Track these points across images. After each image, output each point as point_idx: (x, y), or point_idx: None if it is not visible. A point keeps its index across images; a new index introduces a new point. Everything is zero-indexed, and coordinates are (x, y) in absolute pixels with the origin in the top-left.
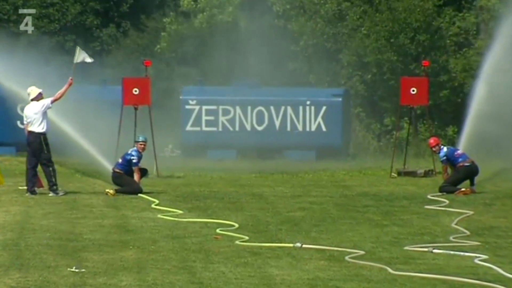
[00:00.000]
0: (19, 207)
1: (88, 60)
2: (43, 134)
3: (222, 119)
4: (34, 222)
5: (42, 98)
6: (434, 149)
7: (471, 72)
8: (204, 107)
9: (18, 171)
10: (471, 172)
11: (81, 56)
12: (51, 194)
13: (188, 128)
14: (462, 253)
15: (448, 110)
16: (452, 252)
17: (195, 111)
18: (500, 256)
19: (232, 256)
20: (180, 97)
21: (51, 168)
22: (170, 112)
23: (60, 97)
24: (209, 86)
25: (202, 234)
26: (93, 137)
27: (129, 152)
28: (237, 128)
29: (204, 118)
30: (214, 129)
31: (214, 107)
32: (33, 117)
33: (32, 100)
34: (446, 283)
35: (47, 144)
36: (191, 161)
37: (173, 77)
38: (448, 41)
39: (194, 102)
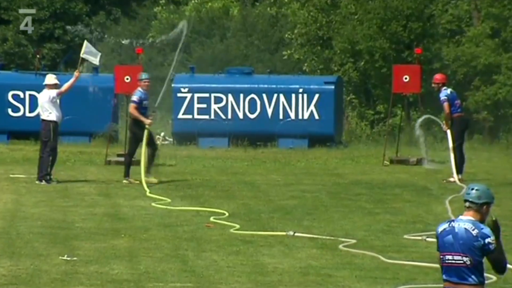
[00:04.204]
0: (10, 195)
1: (95, 61)
2: (53, 122)
3: (214, 107)
4: (25, 210)
5: (55, 88)
6: (436, 85)
7: (463, 60)
8: (196, 95)
9: (9, 159)
10: (467, 124)
11: (89, 52)
12: (43, 183)
13: (180, 116)
14: None
15: None
16: None
17: (187, 99)
18: None
19: (224, 244)
20: (172, 85)
21: (51, 158)
22: (161, 99)
23: (66, 90)
24: (201, 73)
25: (194, 223)
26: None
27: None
28: (229, 116)
29: (196, 106)
30: (206, 117)
31: (206, 95)
32: (41, 105)
33: (45, 85)
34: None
35: (55, 133)
36: (183, 149)
37: (165, 64)
38: (440, 29)
39: (186, 90)
